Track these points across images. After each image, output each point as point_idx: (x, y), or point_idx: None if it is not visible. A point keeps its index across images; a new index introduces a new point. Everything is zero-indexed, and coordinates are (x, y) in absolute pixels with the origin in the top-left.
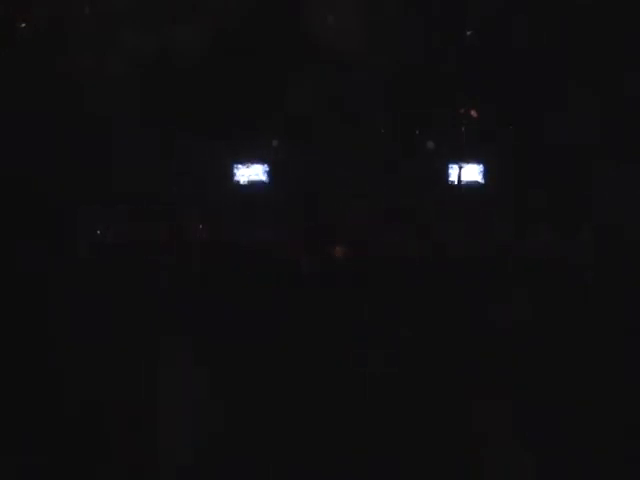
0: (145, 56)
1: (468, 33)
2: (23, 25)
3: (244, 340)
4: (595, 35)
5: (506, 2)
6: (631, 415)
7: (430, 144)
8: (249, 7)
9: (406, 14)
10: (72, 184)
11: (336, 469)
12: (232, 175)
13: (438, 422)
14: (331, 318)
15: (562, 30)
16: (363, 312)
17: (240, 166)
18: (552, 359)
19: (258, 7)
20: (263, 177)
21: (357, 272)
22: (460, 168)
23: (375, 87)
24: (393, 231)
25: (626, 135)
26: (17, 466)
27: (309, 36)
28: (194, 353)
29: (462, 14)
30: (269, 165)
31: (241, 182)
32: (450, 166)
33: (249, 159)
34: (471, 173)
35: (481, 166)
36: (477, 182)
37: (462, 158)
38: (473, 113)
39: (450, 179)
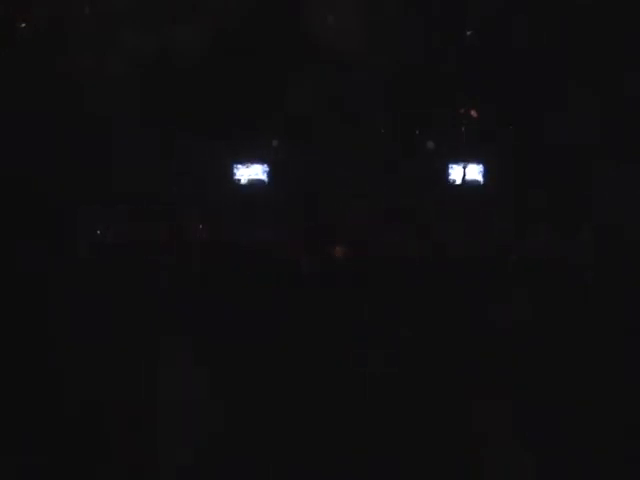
0: (145, 56)
1: (468, 33)
2: (23, 25)
3: (244, 340)
4: (595, 35)
5: (506, 2)
6: (631, 415)
7: (430, 144)
8: (249, 7)
9: (406, 14)
10: (72, 184)
11: (336, 469)
12: (232, 175)
13: (438, 422)
14: (331, 318)
15: (562, 30)
16: (363, 312)
17: (240, 166)
18: (552, 359)
19: (258, 7)
20: (263, 177)
21: (357, 272)
22: (464, 168)
23: (375, 87)
24: (393, 231)
25: (626, 135)
26: (17, 466)
27: (309, 36)
28: (194, 353)
29: (462, 14)
30: (269, 165)
31: (241, 182)
32: (451, 166)
33: (249, 159)
34: (471, 173)
35: (481, 166)
36: (477, 182)
37: (466, 158)
38: (473, 113)
39: (454, 179)
